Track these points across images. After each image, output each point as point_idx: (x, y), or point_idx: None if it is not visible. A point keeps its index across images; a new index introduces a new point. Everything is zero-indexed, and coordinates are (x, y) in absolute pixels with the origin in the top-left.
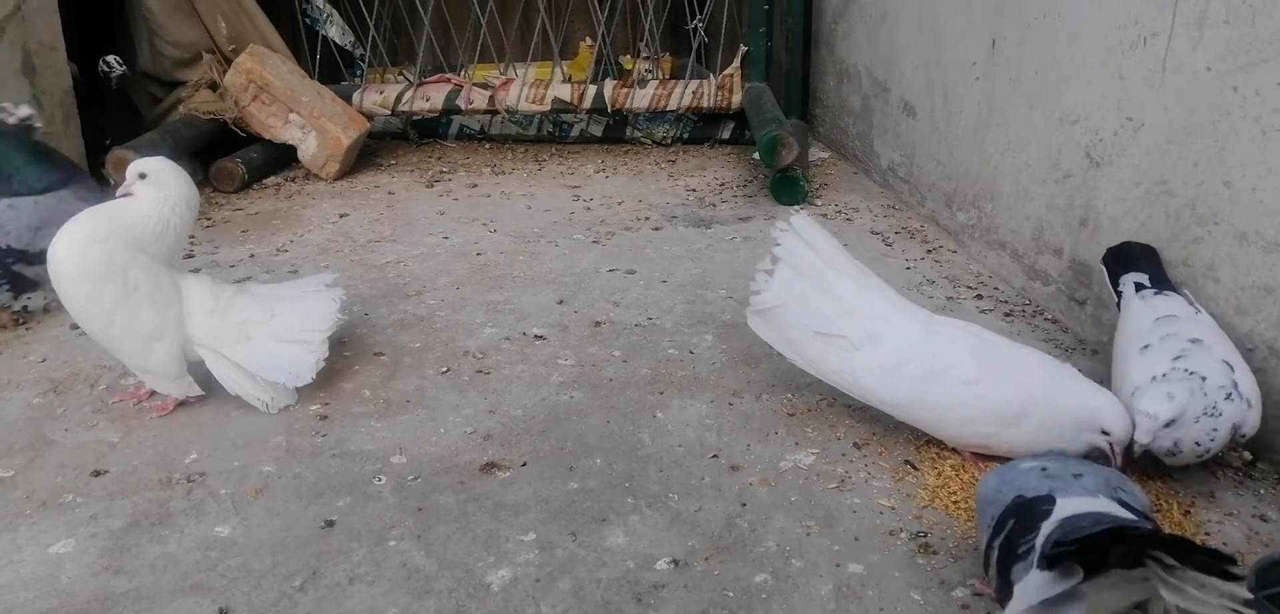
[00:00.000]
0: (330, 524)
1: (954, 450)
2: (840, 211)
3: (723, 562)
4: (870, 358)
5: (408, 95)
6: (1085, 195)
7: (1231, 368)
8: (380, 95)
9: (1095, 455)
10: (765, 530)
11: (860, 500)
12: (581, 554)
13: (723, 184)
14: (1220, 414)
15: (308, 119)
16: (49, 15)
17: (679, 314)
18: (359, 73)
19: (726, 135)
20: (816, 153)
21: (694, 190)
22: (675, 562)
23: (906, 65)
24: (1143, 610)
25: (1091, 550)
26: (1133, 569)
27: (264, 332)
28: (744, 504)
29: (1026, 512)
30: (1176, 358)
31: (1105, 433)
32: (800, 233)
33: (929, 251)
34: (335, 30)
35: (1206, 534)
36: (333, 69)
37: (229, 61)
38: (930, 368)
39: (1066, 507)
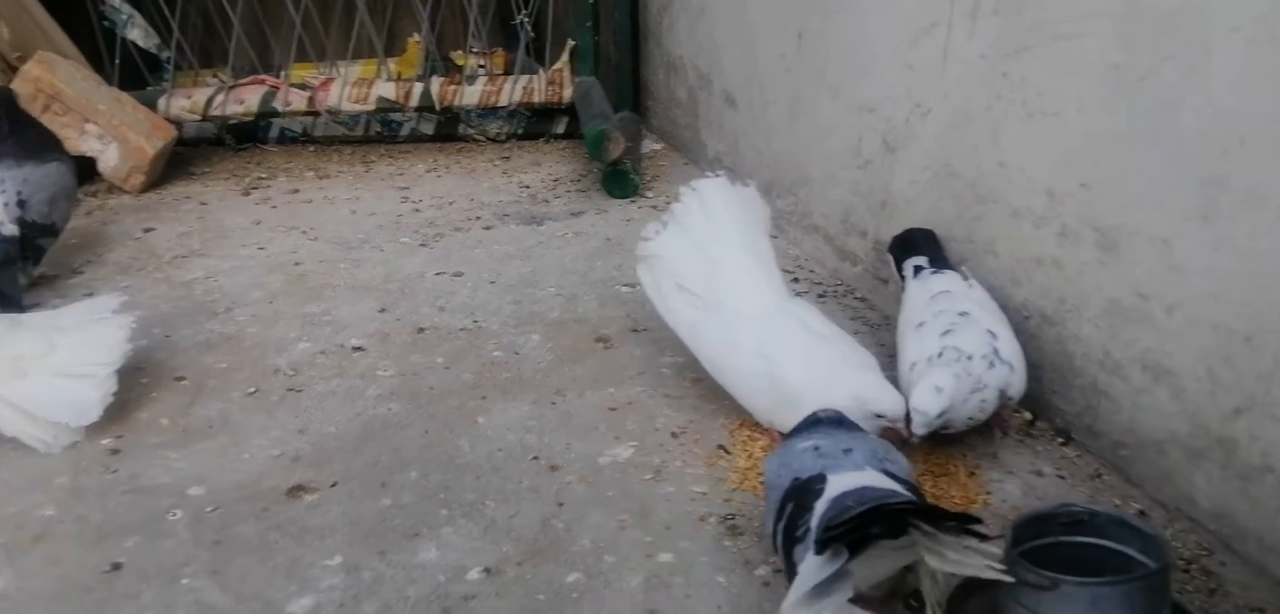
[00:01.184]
0: (117, 567)
1: (765, 432)
2: (670, 202)
3: (536, 565)
4: (708, 320)
5: (219, 99)
6: (884, 180)
7: (995, 336)
8: (189, 100)
9: (889, 435)
10: (580, 529)
11: (674, 489)
12: (389, 573)
13: (557, 180)
14: (986, 386)
15: (107, 129)
16: None
17: (506, 315)
18: (166, 77)
19: (561, 130)
20: (650, 145)
21: (527, 187)
22: (487, 570)
23: (726, 58)
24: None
25: (855, 531)
26: (898, 538)
27: (43, 366)
28: (561, 504)
29: (802, 493)
30: (945, 332)
31: (880, 416)
32: (702, 197)
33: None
34: (138, 33)
35: (989, 492)
36: (137, 74)
37: (14, 70)
38: (741, 339)
39: (837, 484)
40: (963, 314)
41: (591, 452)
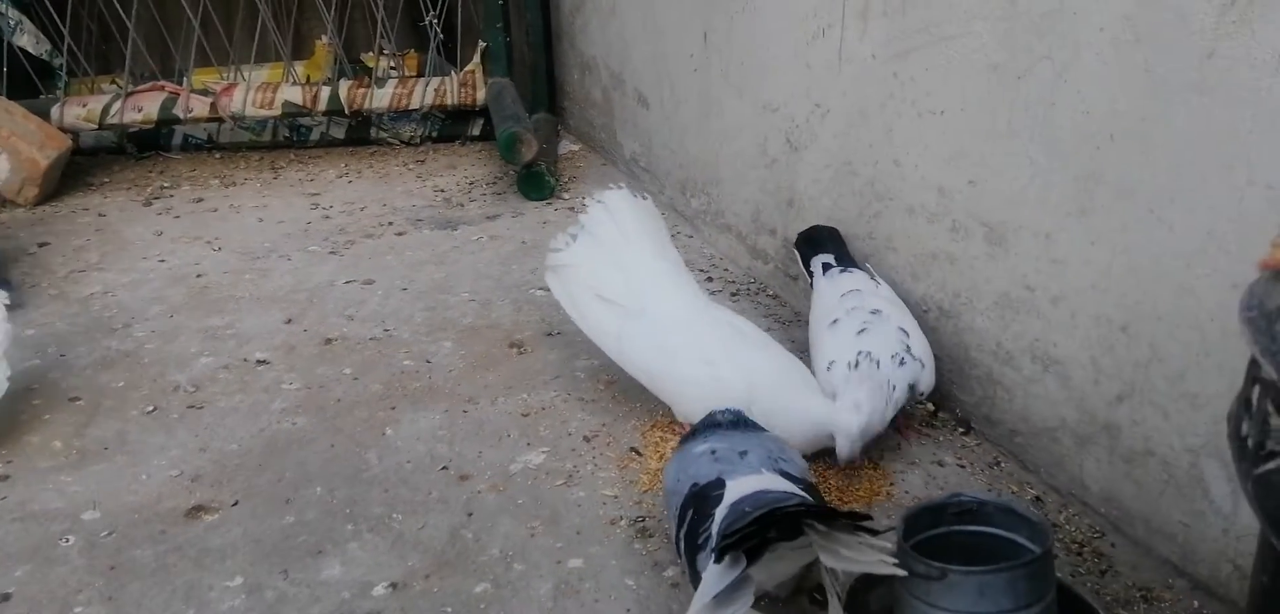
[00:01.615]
0: (5, 598)
1: (676, 433)
2: (584, 205)
3: (444, 577)
4: (636, 328)
5: (117, 106)
6: (789, 178)
7: (906, 334)
8: (84, 109)
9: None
10: (490, 538)
11: (585, 494)
12: (293, 592)
13: (472, 183)
14: (895, 389)
15: None
16: None
17: (418, 323)
18: (60, 85)
19: (477, 132)
20: (567, 145)
21: (442, 191)
22: (393, 585)
23: (637, 57)
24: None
25: (752, 537)
26: (794, 540)
27: None
28: (470, 514)
29: (701, 500)
30: (860, 331)
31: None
32: (610, 208)
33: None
34: (27, 39)
35: (893, 484)
36: (26, 82)
37: None
38: (678, 344)
39: (735, 489)
40: (875, 312)
41: (502, 459)
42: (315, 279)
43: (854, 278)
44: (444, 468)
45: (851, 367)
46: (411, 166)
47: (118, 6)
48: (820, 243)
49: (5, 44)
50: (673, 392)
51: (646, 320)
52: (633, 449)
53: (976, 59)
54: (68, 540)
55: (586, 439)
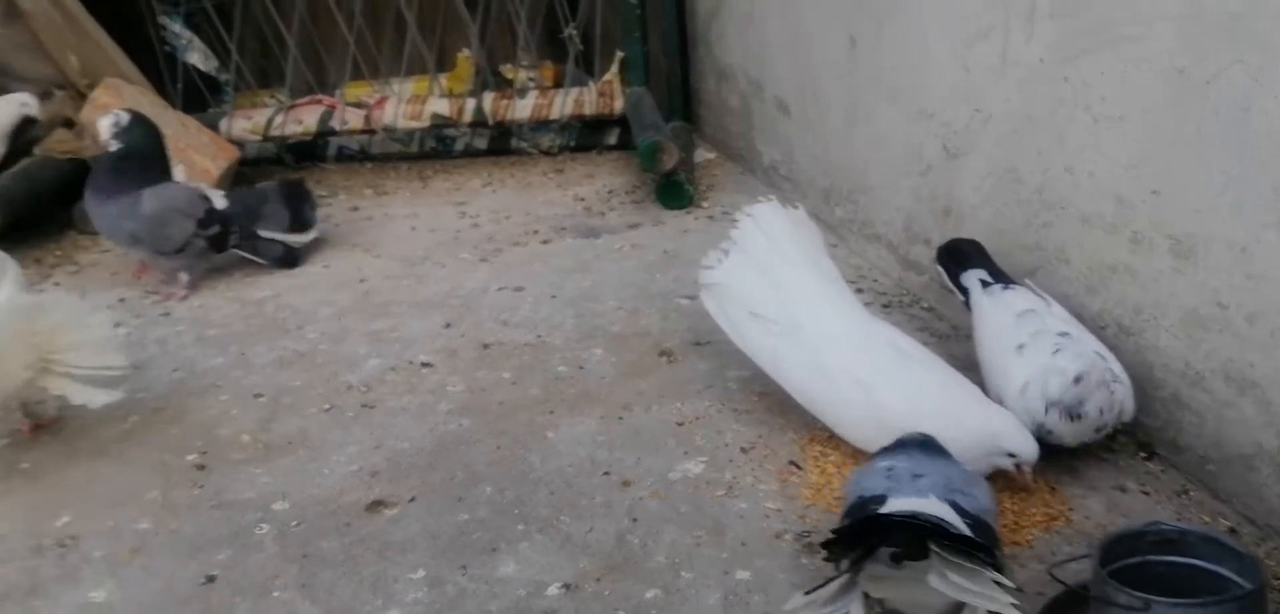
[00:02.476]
0: (211, 580)
1: (836, 448)
2: (727, 212)
3: (614, 581)
4: (790, 345)
5: (279, 119)
6: (946, 186)
7: (1104, 357)
8: (249, 121)
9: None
10: (656, 545)
11: (747, 505)
12: (472, 587)
13: (611, 191)
14: (1113, 394)
15: (173, 152)
16: None
17: (569, 330)
18: (226, 99)
19: (613, 141)
20: (703, 153)
21: (582, 200)
22: (567, 586)
23: (777, 64)
24: None
25: (854, 541)
26: (919, 561)
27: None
28: (635, 520)
29: (859, 510)
30: (1055, 353)
31: (1011, 455)
32: (760, 222)
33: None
34: (197, 56)
35: (1072, 509)
36: (197, 97)
37: (83, 97)
38: (833, 365)
39: (892, 506)
40: (1063, 335)
41: (662, 467)
42: (469, 285)
43: (1022, 296)
44: (605, 473)
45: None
46: (551, 175)
47: (279, 24)
48: (969, 257)
49: (179, 62)
50: (830, 413)
51: (801, 338)
52: (792, 462)
53: (1159, 62)
54: (262, 528)
55: (743, 450)
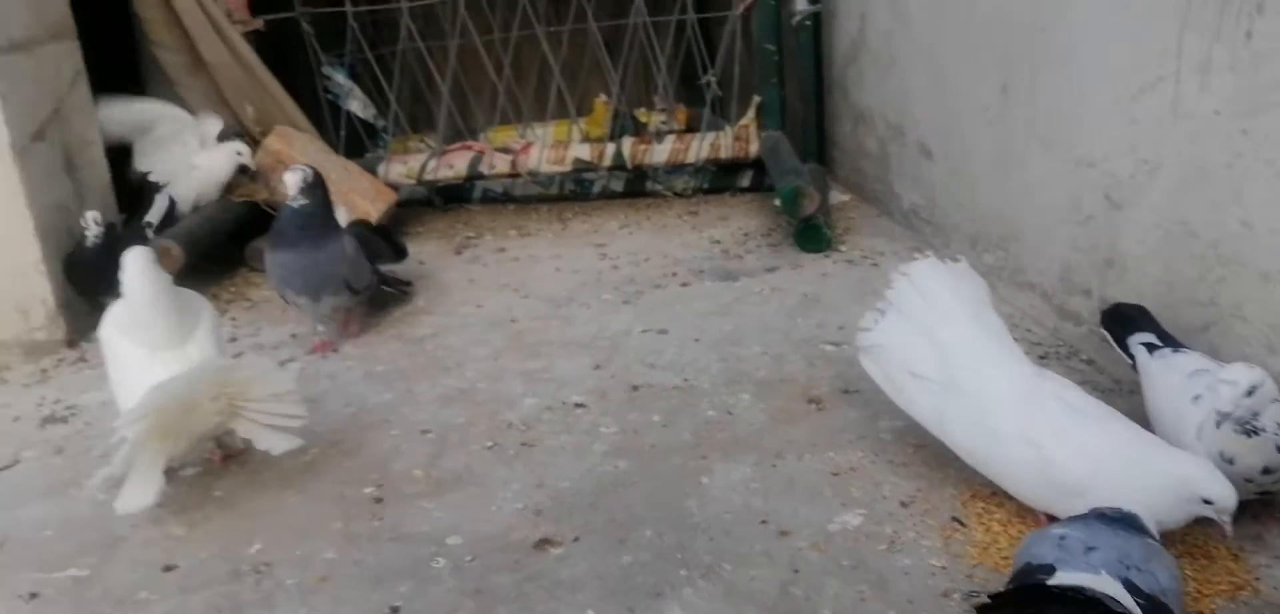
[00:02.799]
0: (395, 610)
1: (1001, 506)
2: (866, 256)
3: None
4: (954, 405)
5: (432, 164)
6: (1108, 236)
7: None
8: (405, 166)
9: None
10: (820, 598)
11: (911, 561)
12: None
13: (746, 234)
14: None
15: (336, 195)
16: (85, 113)
17: (715, 374)
18: (382, 143)
19: (746, 183)
20: (836, 195)
21: (718, 242)
22: None
23: (919, 109)
24: None
25: (1015, 609)
26: None
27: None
28: (796, 571)
29: (1025, 578)
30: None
31: (1207, 502)
32: (915, 280)
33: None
34: (357, 105)
35: (1257, 578)
36: (356, 141)
37: (257, 143)
38: (1000, 423)
39: (1061, 578)
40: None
41: (820, 518)
42: (614, 327)
43: (1192, 357)
44: (763, 521)
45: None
46: (685, 218)
47: (434, 74)
48: (1135, 322)
49: (341, 110)
50: (1000, 473)
51: (964, 397)
52: (955, 519)
53: None
54: (438, 562)
55: (903, 504)
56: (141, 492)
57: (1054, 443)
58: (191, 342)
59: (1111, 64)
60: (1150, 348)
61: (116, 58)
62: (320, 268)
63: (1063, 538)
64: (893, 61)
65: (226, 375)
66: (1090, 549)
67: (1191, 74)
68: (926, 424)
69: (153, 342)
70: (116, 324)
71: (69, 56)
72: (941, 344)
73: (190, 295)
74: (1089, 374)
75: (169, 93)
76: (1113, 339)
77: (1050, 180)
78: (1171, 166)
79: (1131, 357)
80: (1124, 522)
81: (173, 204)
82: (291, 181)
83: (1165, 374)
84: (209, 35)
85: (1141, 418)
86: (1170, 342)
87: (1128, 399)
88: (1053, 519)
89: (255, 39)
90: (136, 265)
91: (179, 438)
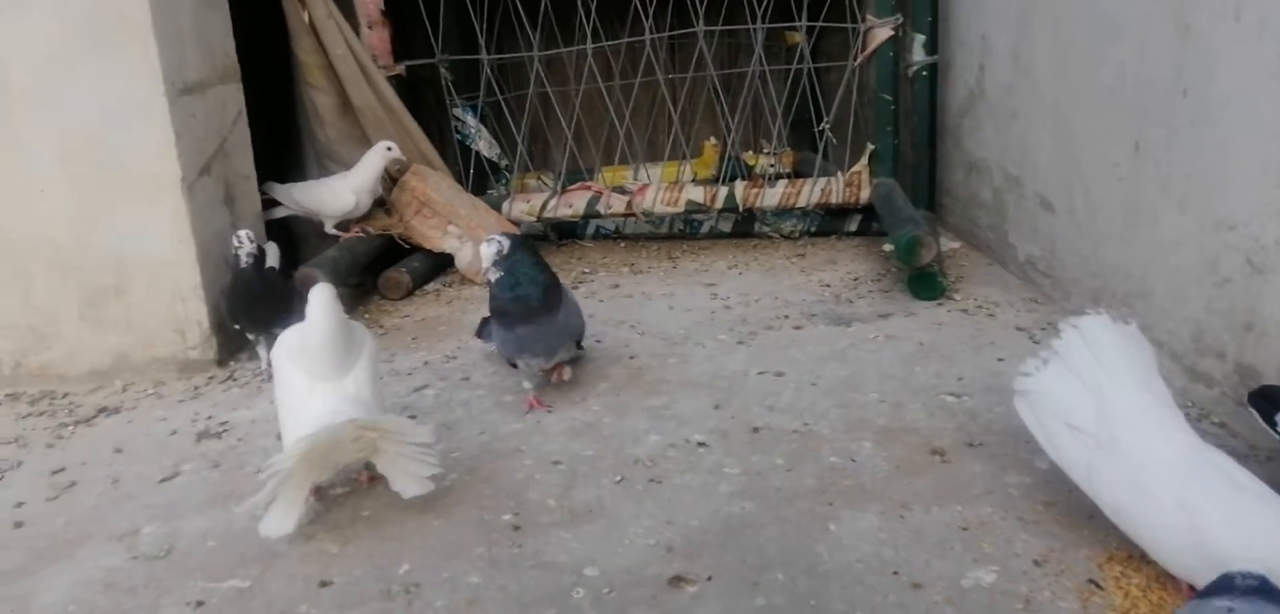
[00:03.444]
0: None
1: (1139, 570)
2: (980, 306)
3: None
4: (1107, 460)
5: (552, 203)
6: (1248, 301)
7: None
8: (527, 204)
9: None
10: None
11: None
12: None
13: (856, 279)
14: None
15: (465, 229)
16: (244, 149)
17: (834, 419)
18: (504, 181)
19: (853, 228)
20: (946, 242)
21: (828, 286)
22: None
23: (1041, 161)
24: None
25: None
26: None
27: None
28: None
29: None
30: None
31: None
32: (1084, 333)
33: (1156, 366)
34: (484, 144)
35: None
36: (481, 178)
37: (395, 181)
38: (1155, 487)
39: None
40: None
41: (952, 572)
42: (730, 368)
43: None
44: (895, 573)
45: None
46: (793, 260)
47: (559, 115)
48: None
49: (470, 150)
50: (1146, 536)
51: (1121, 456)
52: (1091, 582)
53: None
54: (578, 592)
55: (1037, 563)
56: (283, 519)
57: (1209, 510)
58: (350, 375)
59: (1260, 128)
60: None
61: (270, 96)
62: (559, 328)
63: (1231, 610)
64: (1014, 114)
65: (369, 425)
66: None
67: None
68: (1074, 477)
69: (316, 372)
70: (286, 349)
71: (233, 97)
72: (1105, 400)
73: (357, 328)
74: (1222, 438)
75: (316, 129)
76: (1261, 417)
77: (1185, 241)
78: None
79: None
80: (1271, 590)
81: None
82: (487, 254)
83: None
84: (357, 79)
85: None
86: None
87: (1265, 466)
88: (1194, 590)
89: (395, 83)
90: (321, 301)
91: (324, 469)
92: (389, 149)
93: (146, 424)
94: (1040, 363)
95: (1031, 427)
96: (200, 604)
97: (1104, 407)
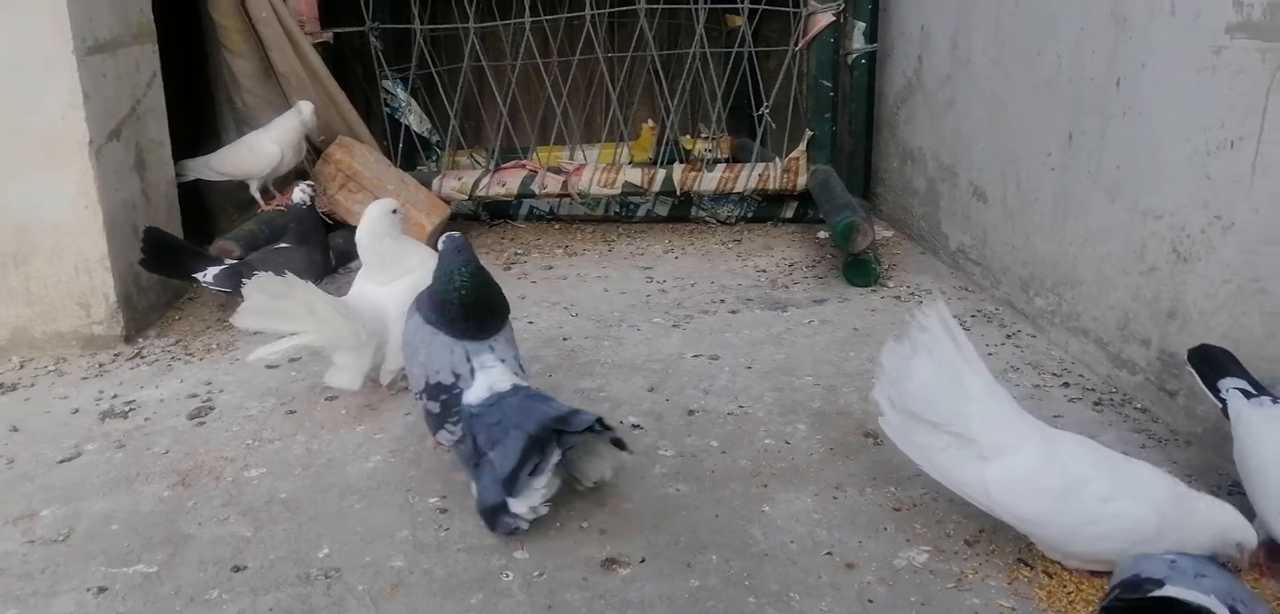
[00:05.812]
0: None
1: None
2: (913, 293)
3: None
4: (1002, 471)
5: (485, 181)
6: (1173, 289)
7: None
8: (459, 182)
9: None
10: None
11: (980, 601)
12: None
13: (792, 265)
14: None
15: None
16: (158, 114)
17: (769, 402)
18: (435, 158)
19: (790, 214)
20: (880, 230)
21: (764, 271)
22: None
23: (976, 152)
24: None
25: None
26: None
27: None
28: (870, 601)
29: (1133, 586)
30: None
31: (1241, 545)
32: (944, 321)
33: (1008, 336)
34: (414, 119)
35: None
36: (411, 155)
37: (318, 152)
38: (1065, 484)
39: (1175, 593)
40: None
41: (885, 552)
42: (665, 351)
43: None
44: (828, 553)
45: None
46: (730, 245)
47: (495, 92)
48: (1224, 365)
49: (400, 124)
50: (1059, 538)
51: (1012, 462)
52: (1021, 561)
53: None
54: (507, 576)
55: (968, 543)
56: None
57: (1118, 491)
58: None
59: (1188, 120)
60: (1247, 395)
61: (185, 61)
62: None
63: (1174, 562)
64: (950, 104)
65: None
66: (1201, 576)
67: (1277, 135)
68: (962, 492)
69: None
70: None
71: (148, 58)
72: (972, 398)
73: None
74: (1144, 423)
75: (235, 96)
76: (1201, 379)
77: (1113, 230)
78: (1247, 224)
79: (1222, 400)
80: (1214, 560)
81: None
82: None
83: (1263, 425)
84: (282, 44)
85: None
86: (1263, 390)
87: (1184, 449)
88: (1095, 576)
89: (322, 51)
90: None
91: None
92: (299, 111)
93: (46, 402)
94: (901, 362)
95: (906, 449)
96: (102, 590)
97: (974, 405)
